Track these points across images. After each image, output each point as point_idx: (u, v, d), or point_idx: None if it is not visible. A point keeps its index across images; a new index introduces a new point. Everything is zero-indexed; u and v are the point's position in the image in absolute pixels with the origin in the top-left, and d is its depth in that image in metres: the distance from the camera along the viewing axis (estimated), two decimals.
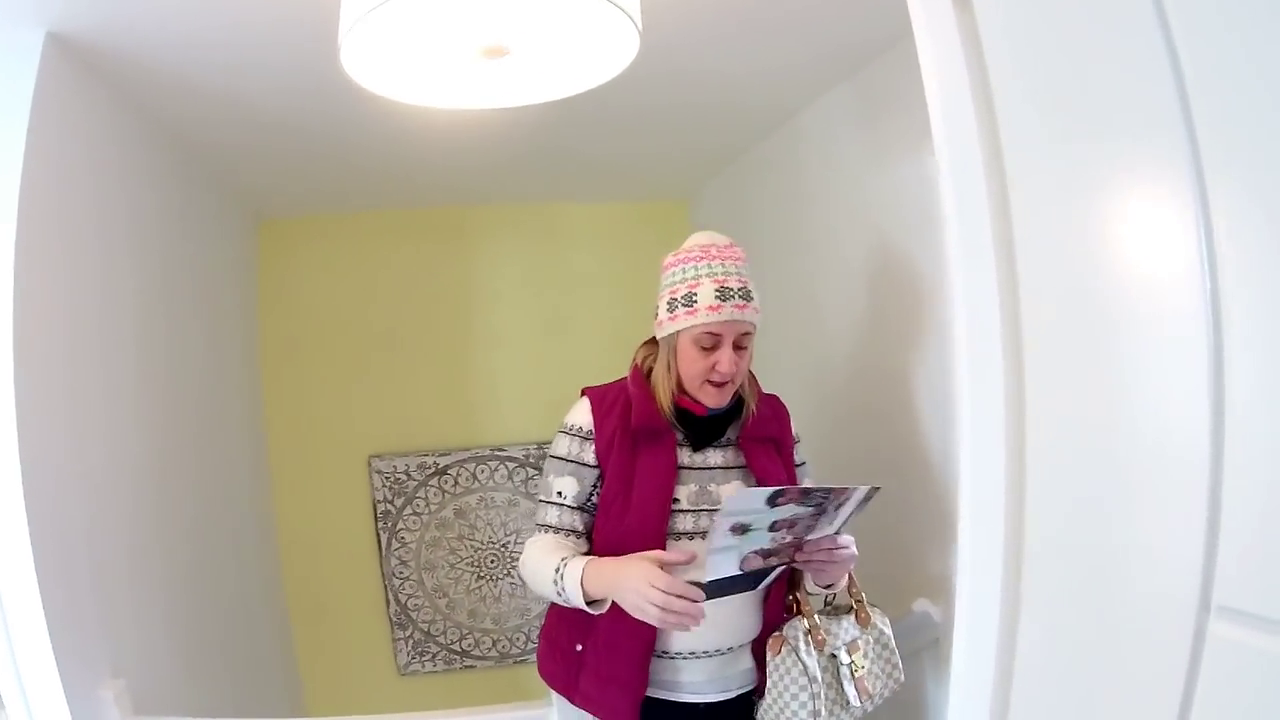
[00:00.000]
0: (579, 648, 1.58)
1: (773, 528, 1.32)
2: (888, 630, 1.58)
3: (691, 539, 1.49)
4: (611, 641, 1.52)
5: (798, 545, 1.41)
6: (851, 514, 1.41)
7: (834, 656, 1.52)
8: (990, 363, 0.72)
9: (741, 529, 1.28)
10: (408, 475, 3.01)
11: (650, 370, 1.58)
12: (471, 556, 3.09)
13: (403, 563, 3.02)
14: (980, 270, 0.74)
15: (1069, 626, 0.71)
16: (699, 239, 1.53)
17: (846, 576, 1.54)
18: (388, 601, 3.03)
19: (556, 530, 1.55)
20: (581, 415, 1.57)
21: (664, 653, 1.54)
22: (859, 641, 1.55)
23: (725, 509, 1.25)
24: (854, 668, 1.52)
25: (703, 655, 1.54)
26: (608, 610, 1.46)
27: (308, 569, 2.96)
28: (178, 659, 1.83)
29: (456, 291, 3.09)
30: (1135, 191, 0.60)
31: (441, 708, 1.43)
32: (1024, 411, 0.70)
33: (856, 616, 1.56)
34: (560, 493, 1.55)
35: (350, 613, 3.04)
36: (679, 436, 1.55)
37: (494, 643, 3.14)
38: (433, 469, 3.03)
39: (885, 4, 1.15)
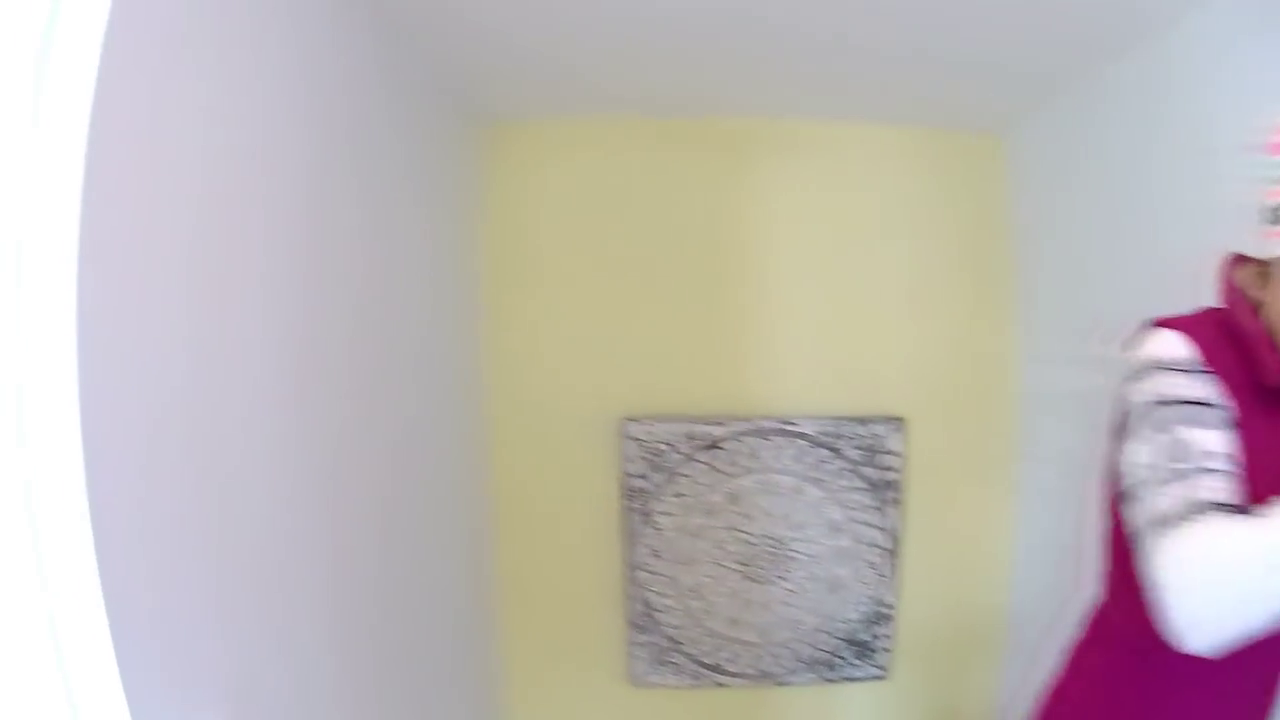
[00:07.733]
0: None
1: None
2: None
3: None
4: None
5: None
6: None
7: None
8: None
9: None
10: (671, 447, 2.42)
11: (1260, 303, 1.13)
12: (741, 553, 2.50)
13: (655, 554, 2.46)
14: None
15: None
16: None
17: None
18: (628, 598, 2.51)
19: (1228, 509, 1.04)
20: (1175, 347, 1.13)
21: None
22: None
23: None
24: None
25: None
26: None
27: (527, 554, 2.53)
28: (331, 678, 1.39)
29: (724, 220, 2.46)
30: None
31: None
32: None
33: None
34: (1211, 452, 1.07)
35: (578, 609, 2.59)
36: None
37: (755, 658, 2.58)
38: (704, 441, 2.42)
39: None
